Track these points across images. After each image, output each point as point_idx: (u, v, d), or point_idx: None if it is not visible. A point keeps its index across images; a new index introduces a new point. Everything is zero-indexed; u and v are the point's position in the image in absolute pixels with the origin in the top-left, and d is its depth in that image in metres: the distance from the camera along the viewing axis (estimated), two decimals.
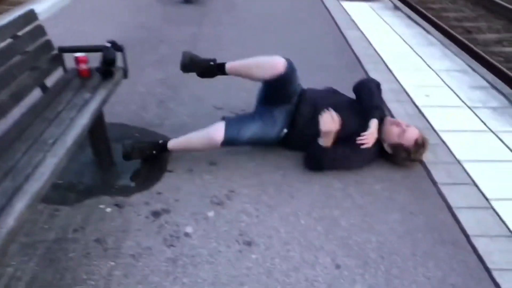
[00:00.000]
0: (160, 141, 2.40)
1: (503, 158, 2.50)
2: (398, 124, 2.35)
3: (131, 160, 2.34)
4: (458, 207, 2.11)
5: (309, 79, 3.49)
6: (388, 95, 3.20)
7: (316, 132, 2.29)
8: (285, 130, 2.41)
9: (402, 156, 2.34)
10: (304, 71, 3.65)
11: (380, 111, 2.37)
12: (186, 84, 3.37)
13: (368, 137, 2.24)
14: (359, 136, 2.25)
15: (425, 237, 1.93)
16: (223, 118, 2.41)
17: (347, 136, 2.27)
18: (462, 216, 2.05)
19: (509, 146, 2.61)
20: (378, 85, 2.52)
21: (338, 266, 1.77)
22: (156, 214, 2.05)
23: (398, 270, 1.76)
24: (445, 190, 2.23)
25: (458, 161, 2.46)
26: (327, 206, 2.11)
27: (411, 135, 2.31)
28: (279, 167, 2.38)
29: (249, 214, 2.05)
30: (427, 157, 2.45)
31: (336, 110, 2.27)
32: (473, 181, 2.30)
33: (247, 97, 3.17)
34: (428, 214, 2.07)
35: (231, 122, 2.35)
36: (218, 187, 2.22)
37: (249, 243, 1.88)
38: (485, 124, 2.85)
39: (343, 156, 2.30)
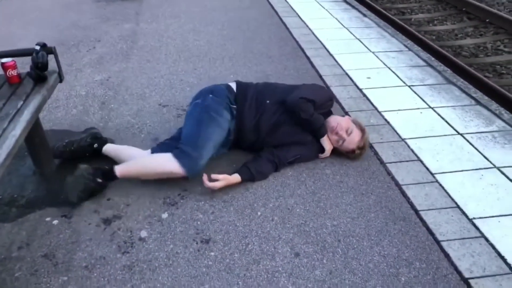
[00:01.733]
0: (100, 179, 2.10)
1: (443, 132, 2.62)
2: (337, 134, 2.30)
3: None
4: (405, 183, 2.19)
5: (254, 69, 3.49)
6: (332, 81, 3.25)
7: (263, 141, 2.30)
8: (225, 151, 2.39)
9: (343, 155, 2.39)
10: (249, 62, 3.64)
11: (322, 127, 2.32)
12: (126, 83, 3.25)
13: (327, 154, 2.37)
14: (298, 133, 2.31)
15: (377, 216, 1.99)
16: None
17: (290, 137, 2.31)
18: (410, 192, 2.13)
19: (447, 120, 2.74)
20: (307, 100, 2.27)
21: (297, 254, 1.79)
22: (107, 221, 1.96)
23: (354, 251, 1.80)
24: (392, 168, 2.31)
25: (403, 139, 2.56)
26: (282, 195, 2.12)
27: (349, 145, 2.30)
28: (231, 160, 2.36)
29: (205, 211, 2.01)
30: (373, 138, 2.54)
31: (277, 126, 2.28)
32: (417, 157, 2.40)
33: (192, 91, 3.11)
34: (378, 193, 2.13)
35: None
36: (170, 187, 2.16)
37: (207, 241, 1.85)
38: (424, 101, 2.98)
39: (295, 157, 2.31)
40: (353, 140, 2.30)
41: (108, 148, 2.34)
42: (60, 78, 2.22)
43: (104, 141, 2.39)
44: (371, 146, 2.48)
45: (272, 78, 3.29)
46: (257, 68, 3.50)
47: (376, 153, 2.43)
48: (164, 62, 3.62)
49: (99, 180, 2.08)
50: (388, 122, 2.73)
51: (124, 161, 2.25)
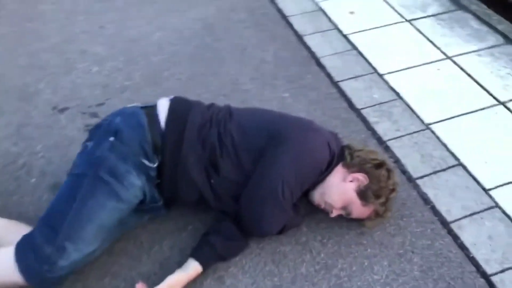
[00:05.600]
0: None
1: (478, 106, 1.83)
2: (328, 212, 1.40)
3: None
4: (456, 218, 1.46)
5: (188, 15, 2.36)
6: (301, 24, 2.32)
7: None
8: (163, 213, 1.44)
9: None
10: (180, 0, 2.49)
11: None
12: None
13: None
14: None
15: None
16: None
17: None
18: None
19: (478, 81, 1.94)
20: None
21: None
22: None
23: None
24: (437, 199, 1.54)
25: (427, 125, 1.76)
26: (279, 283, 1.31)
27: (358, 214, 1.39)
28: (184, 221, 1.48)
29: None
30: (387, 132, 1.72)
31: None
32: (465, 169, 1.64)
33: (102, 72, 2.05)
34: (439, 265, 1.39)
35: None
36: None
37: None
38: (436, 46, 2.13)
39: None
40: (358, 216, 1.40)
41: None
42: None
43: None
44: (395, 161, 1.66)
45: (216, 29, 2.26)
46: (193, 12, 2.41)
47: (403, 168, 1.61)
48: (50, 19, 2.41)
49: None
50: (399, 96, 1.89)
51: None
